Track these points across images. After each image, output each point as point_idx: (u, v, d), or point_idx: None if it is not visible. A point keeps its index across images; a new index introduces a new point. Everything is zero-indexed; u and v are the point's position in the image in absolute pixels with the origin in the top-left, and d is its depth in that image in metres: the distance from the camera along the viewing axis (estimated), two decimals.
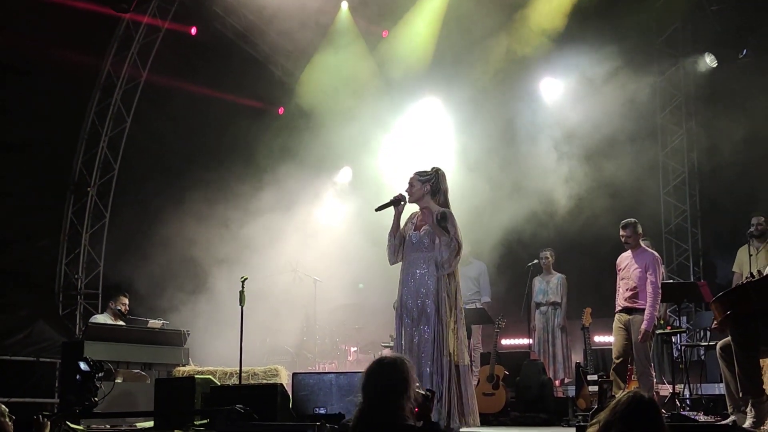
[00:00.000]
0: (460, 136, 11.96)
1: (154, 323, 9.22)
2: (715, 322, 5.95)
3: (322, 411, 6.33)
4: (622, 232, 8.27)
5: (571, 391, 9.04)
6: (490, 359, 8.97)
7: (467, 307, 8.37)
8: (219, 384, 7.35)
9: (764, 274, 5.93)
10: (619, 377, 8.05)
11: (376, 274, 10.22)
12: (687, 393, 8.82)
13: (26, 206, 10.70)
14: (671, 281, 10.79)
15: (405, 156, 11.86)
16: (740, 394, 5.72)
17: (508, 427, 8.16)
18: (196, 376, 7.23)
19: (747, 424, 5.58)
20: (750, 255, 9.04)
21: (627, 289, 8.18)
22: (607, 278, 8.86)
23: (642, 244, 8.39)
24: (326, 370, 11.01)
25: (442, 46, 12.38)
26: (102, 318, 9.48)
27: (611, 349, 8.55)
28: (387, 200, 6.66)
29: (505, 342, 11.50)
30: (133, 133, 12.17)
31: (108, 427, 7.30)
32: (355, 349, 11.92)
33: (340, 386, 6.48)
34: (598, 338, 10.80)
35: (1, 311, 10.14)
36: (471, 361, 7.29)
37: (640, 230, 8.30)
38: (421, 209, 6.68)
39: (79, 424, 6.60)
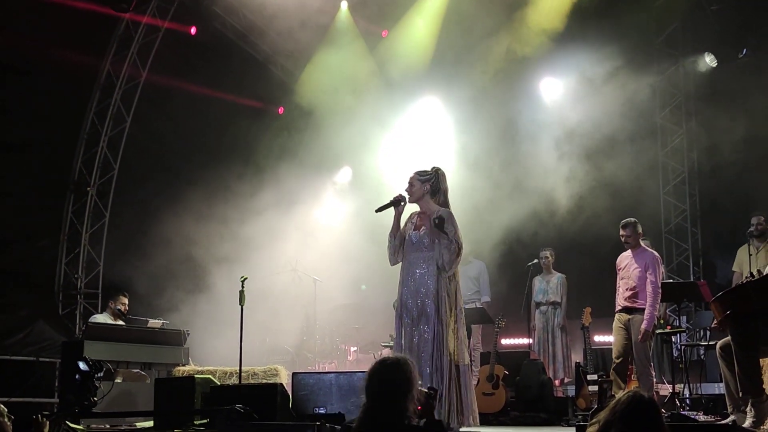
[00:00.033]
0: (460, 136, 11.96)
1: (154, 323, 9.23)
2: (714, 322, 5.94)
3: (322, 411, 6.33)
4: (622, 232, 8.27)
5: (571, 391, 9.04)
6: (490, 359, 8.98)
7: (467, 306, 8.37)
8: (219, 384, 7.34)
9: (764, 273, 5.92)
10: (619, 377, 8.05)
11: (375, 274, 10.24)
12: (687, 392, 8.83)
13: (26, 206, 10.70)
14: (671, 281, 10.79)
15: (405, 155, 11.87)
16: (740, 394, 5.71)
17: (507, 427, 8.16)
18: (195, 376, 7.22)
19: (747, 423, 5.58)
20: (750, 254, 9.05)
21: (627, 289, 8.18)
22: (607, 278, 8.86)
23: (642, 243, 8.39)
24: (326, 370, 11.02)
25: (442, 46, 12.38)
26: (101, 318, 9.48)
27: (611, 349, 8.55)
28: (387, 201, 6.66)
29: (505, 342, 11.51)
30: (132, 133, 12.17)
31: (108, 426, 7.29)
32: (355, 348, 11.92)
33: (339, 386, 6.47)
34: (598, 338, 10.80)
35: (1, 311, 10.13)
36: (471, 360, 7.29)
37: (640, 230, 8.30)
38: (421, 209, 6.68)
39: (78, 424, 6.60)
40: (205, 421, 6.40)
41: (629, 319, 8.10)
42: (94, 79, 11.91)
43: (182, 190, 11.58)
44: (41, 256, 11.52)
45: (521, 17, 11.57)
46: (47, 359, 10.32)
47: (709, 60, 12.15)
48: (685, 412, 7.62)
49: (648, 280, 8.04)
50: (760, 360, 5.75)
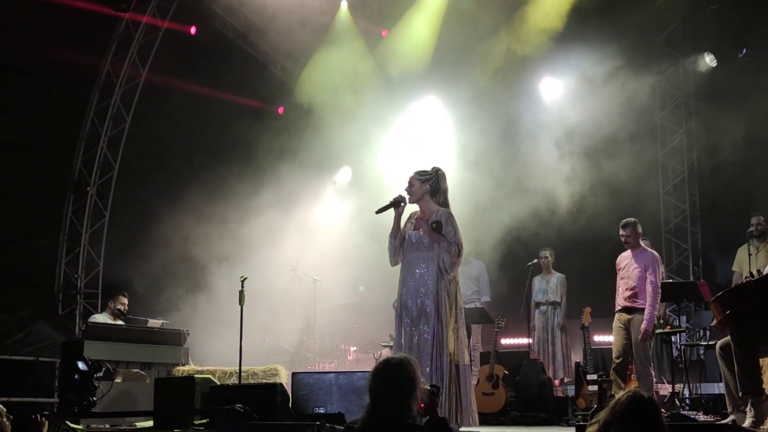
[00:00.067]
0: (460, 136, 11.97)
1: (154, 323, 9.23)
2: (714, 321, 5.95)
3: (322, 410, 6.33)
4: (621, 232, 8.27)
5: (571, 391, 9.04)
6: (489, 359, 8.97)
7: (466, 306, 8.37)
8: (218, 383, 7.34)
9: (764, 273, 5.92)
10: (619, 377, 8.05)
11: (375, 274, 10.23)
12: (686, 392, 8.83)
13: (26, 206, 10.70)
14: (671, 281, 10.79)
15: (405, 155, 11.87)
16: (740, 394, 5.71)
17: (507, 427, 8.15)
18: (195, 376, 7.22)
19: (746, 423, 5.58)
20: (750, 254, 9.05)
21: (627, 289, 8.17)
22: (607, 278, 8.86)
23: (642, 243, 8.39)
24: (326, 370, 11.02)
25: (442, 46, 12.39)
26: (101, 317, 9.48)
27: (611, 349, 8.55)
28: (387, 202, 6.66)
29: (504, 341, 11.51)
30: (132, 133, 12.17)
31: (108, 426, 7.30)
32: (355, 348, 11.93)
33: (339, 386, 6.47)
34: (598, 338, 10.80)
35: (1, 311, 10.13)
36: (471, 360, 7.29)
37: (639, 230, 8.29)
38: (420, 209, 6.68)
39: (78, 424, 6.60)
40: (204, 420, 6.40)
41: (629, 319, 8.10)
42: (94, 79, 11.91)
43: (182, 190, 11.58)
44: (41, 256, 11.53)
45: (521, 17, 11.59)
46: (47, 359, 10.33)
47: (708, 60, 12.15)
48: (685, 412, 7.62)
49: (648, 280, 8.04)
50: (760, 360, 5.76)
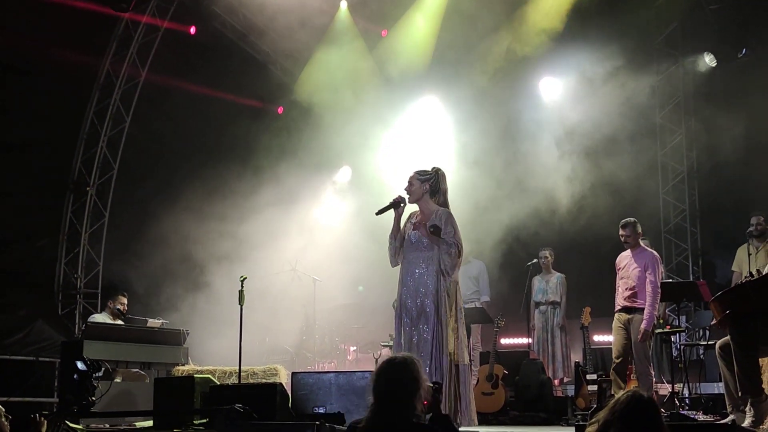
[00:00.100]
0: (460, 135, 11.96)
1: (153, 322, 9.23)
2: (714, 321, 5.95)
3: (322, 410, 6.33)
4: (621, 232, 8.26)
5: (571, 391, 9.04)
6: (489, 358, 8.97)
7: (466, 306, 8.37)
8: (218, 383, 7.35)
9: (763, 273, 5.92)
10: (619, 377, 8.05)
11: (375, 274, 10.23)
12: (686, 392, 8.83)
13: (26, 206, 10.70)
14: (670, 281, 10.80)
15: (404, 155, 11.87)
16: (739, 394, 5.71)
17: (507, 426, 8.15)
18: (195, 376, 7.22)
19: (746, 423, 5.58)
20: (749, 254, 9.05)
21: (626, 289, 8.17)
22: (607, 277, 8.86)
23: (641, 243, 8.38)
24: (325, 370, 11.02)
25: (441, 45, 12.38)
26: (100, 317, 9.48)
27: (610, 349, 8.55)
28: (387, 203, 6.66)
29: (504, 341, 11.50)
30: (132, 133, 12.17)
31: (107, 426, 7.29)
32: (355, 348, 11.92)
33: (339, 386, 6.47)
34: (598, 337, 10.80)
35: (1, 310, 10.13)
36: (470, 360, 7.29)
37: (639, 230, 8.29)
38: (420, 209, 6.68)
39: (78, 424, 6.60)
40: (204, 420, 6.40)
41: (629, 319, 8.10)
42: (94, 78, 11.92)
43: (182, 189, 11.58)
44: (41, 256, 11.54)
45: (521, 17, 11.59)
46: (47, 359, 10.33)
47: (708, 59, 12.15)
48: (685, 412, 7.62)
49: (647, 280, 8.03)
50: (760, 360, 5.76)
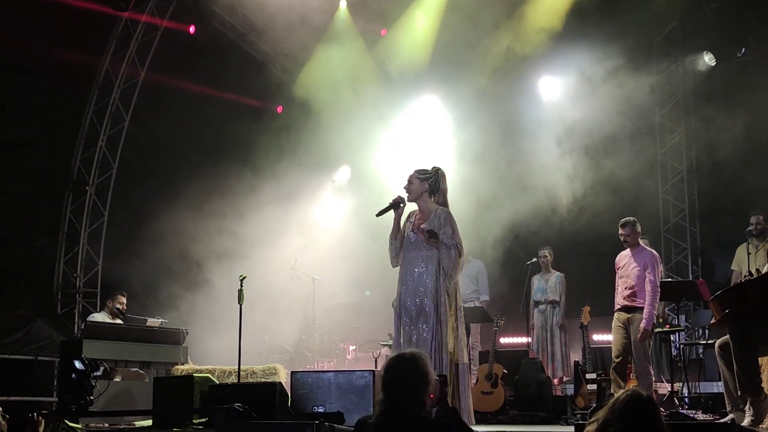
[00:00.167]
0: (460, 135, 11.95)
1: (153, 322, 9.24)
2: (713, 320, 5.94)
3: (321, 409, 6.33)
4: (621, 231, 8.25)
5: (570, 390, 9.03)
6: (488, 357, 8.97)
7: (465, 305, 8.37)
8: (217, 382, 7.35)
9: (763, 272, 5.92)
10: (618, 376, 8.04)
11: (375, 273, 10.23)
12: (686, 391, 8.84)
13: (25, 205, 10.69)
14: (670, 280, 10.80)
15: (404, 154, 11.86)
16: (739, 393, 5.72)
17: (506, 426, 8.14)
18: (194, 375, 7.23)
19: (745, 422, 5.58)
20: (749, 253, 9.05)
21: (626, 288, 8.16)
22: (607, 277, 8.85)
23: (641, 242, 8.38)
24: (325, 369, 11.02)
25: (441, 45, 12.37)
26: (99, 317, 9.49)
27: (610, 348, 8.54)
28: (386, 204, 6.66)
29: (503, 340, 11.50)
30: (131, 132, 12.17)
31: (107, 425, 7.29)
32: (354, 347, 11.92)
33: (338, 385, 6.47)
34: (597, 337, 10.79)
35: (0, 310, 10.13)
36: (470, 359, 7.29)
37: (639, 229, 8.28)
38: (419, 208, 6.68)
39: (77, 423, 6.60)
40: (203, 419, 6.40)
41: (628, 318, 8.09)
42: (93, 78, 11.92)
43: (181, 188, 11.58)
44: (40, 255, 11.53)
45: (521, 16, 11.57)
46: (46, 358, 10.32)
47: (708, 59, 12.14)
48: (684, 411, 7.62)
49: (647, 279, 8.03)
50: (759, 359, 5.76)
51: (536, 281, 10.38)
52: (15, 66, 9.74)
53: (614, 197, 11.00)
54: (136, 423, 7.29)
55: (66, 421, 6.10)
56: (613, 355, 8.20)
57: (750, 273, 6.13)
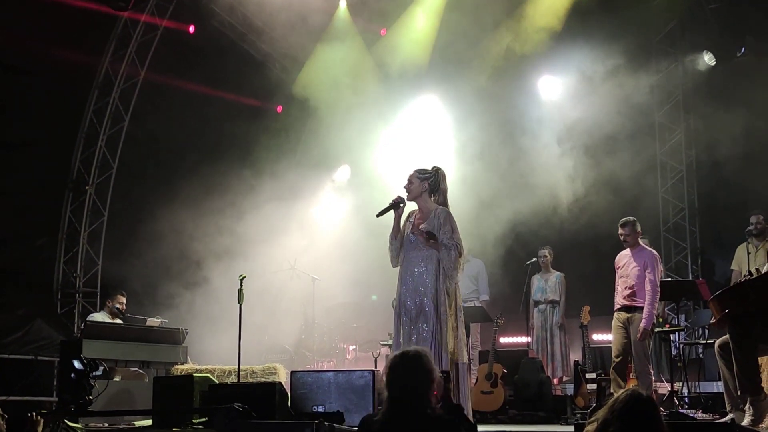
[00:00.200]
0: (459, 134, 11.96)
1: (153, 321, 9.24)
2: (713, 320, 5.94)
3: (321, 409, 6.33)
4: (620, 231, 8.25)
5: (570, 390, 9.04)
6: (488, 357, 8.97)
7: (465, 305, 8.37)
8: (217, 382, 7.35)
9: (763, 272, 5.92)
10: (618, 376, 8.03)
11: (375, 273, 10.23)
12: (685, 391, 8.84)
13: (24, 205, 10.68)
14: (670, 279, 10.80)
15: (404, 154, 11.87)
16: (738, 393, 5.72)
17: (506, 425, 8.14)
18: (194, 375, 7.23)
19: (745, 422, 5.58)
20: (749, 253, 9.05)
21: (626, 288, 8.16)
22: (606, 276, 8.85)
23: (641, 242, 8.37)
24: (325, 369, 11.02)
25: (441, 44, 12.38)
26: (99, 316, 9.48)
27: (610, 348, 8.54)
28: (386, 204, 6.66)
29: (503, 340, 11.51)
30: (131, 132, 12.16)
31: (106, 425, 7.29)
32: (354, 347, 11.93)
33: (338, 384, 6.47)
34: (597, 336, 10.79)
35: (0, 310, 10.13)
36: (470, 359, 7.28)
37: (638, 228, 8.28)
38: (419, 207, 6.68)
39: (77, 423, 6.60)
40: (203, 419, 6.40)
41: (628, 318, 8.09)
42: (93, 78, 11.91)
43: (180, 188, 11.57)
44: (40, 255, 11.53)
45: (520, 15, 11.58)
46: (46, 358, 10.32)
47: (707, 58, 12.14)
48: (684, 411, 7.62)
49: (647, 279, 8.02)
50: (759, 359, 5.76)
51: (536, 281, 10.38)
52: (15, 66, 9.74)
53: (614, 197, 11.00)
54: (135, 423, 7.30)
55: (65, 420, 6.09)
56: (613, 354, 8.20)
57: (750, 273, 6.12)
